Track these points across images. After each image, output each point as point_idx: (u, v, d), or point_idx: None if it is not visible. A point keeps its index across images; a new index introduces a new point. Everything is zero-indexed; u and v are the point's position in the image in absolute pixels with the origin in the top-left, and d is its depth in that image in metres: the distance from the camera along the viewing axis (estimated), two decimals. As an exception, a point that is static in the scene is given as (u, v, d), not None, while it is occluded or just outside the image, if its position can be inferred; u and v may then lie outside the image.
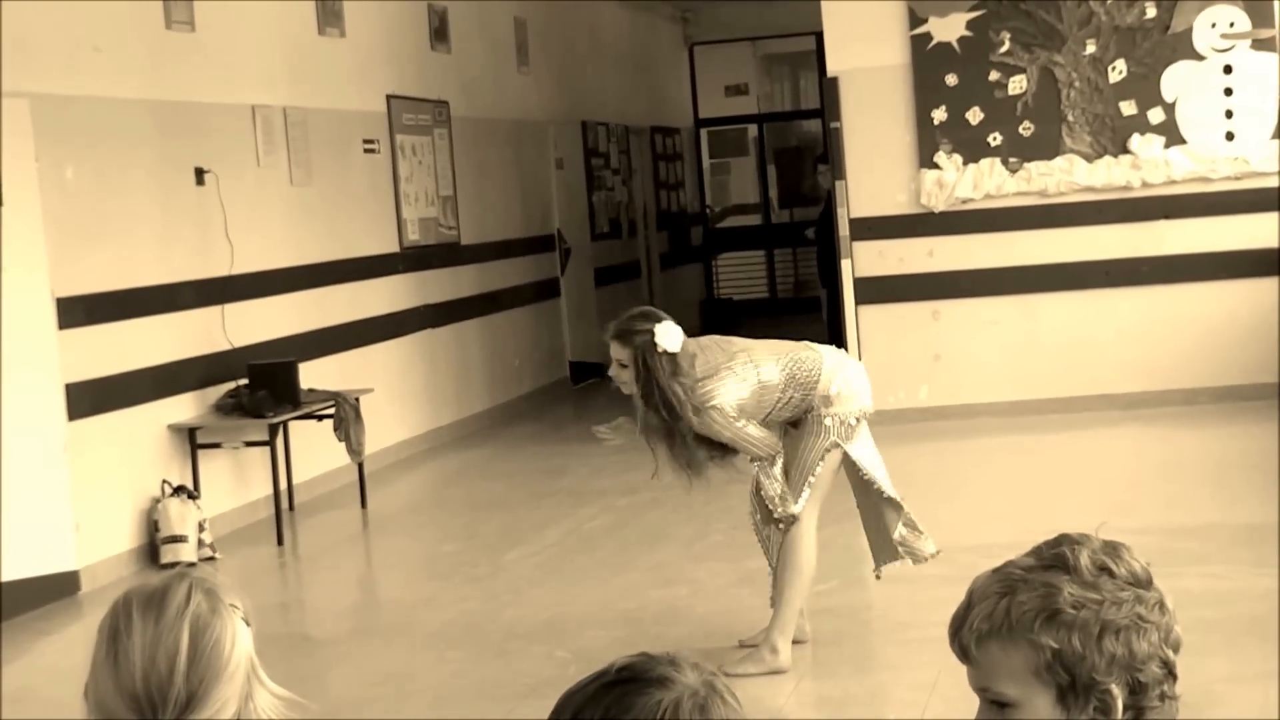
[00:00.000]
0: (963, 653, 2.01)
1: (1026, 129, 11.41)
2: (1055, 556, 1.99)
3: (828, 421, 6.18)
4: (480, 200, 13.52)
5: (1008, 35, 11.39)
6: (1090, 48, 11.36)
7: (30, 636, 7.71)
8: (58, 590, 8.20)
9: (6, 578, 7.86)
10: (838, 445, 6.21)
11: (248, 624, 2.16)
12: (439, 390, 12.60)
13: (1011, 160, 11.44)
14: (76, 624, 7.94)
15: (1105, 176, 11.38)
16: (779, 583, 6.24)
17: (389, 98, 12.03)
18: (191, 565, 8.73)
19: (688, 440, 6.16)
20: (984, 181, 11.45)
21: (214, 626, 2.08)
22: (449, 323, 12.78)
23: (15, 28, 8.14)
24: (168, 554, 8.82)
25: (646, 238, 18.09)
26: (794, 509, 6.19)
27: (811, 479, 6.20)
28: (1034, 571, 1.99)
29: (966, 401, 11.47)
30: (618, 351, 6.15)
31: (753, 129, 21.64)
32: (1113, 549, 2.01)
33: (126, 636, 2.06)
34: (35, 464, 8.11)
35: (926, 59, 11.46)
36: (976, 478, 9.99)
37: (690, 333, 6.26)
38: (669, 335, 6.07)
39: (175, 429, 9.29)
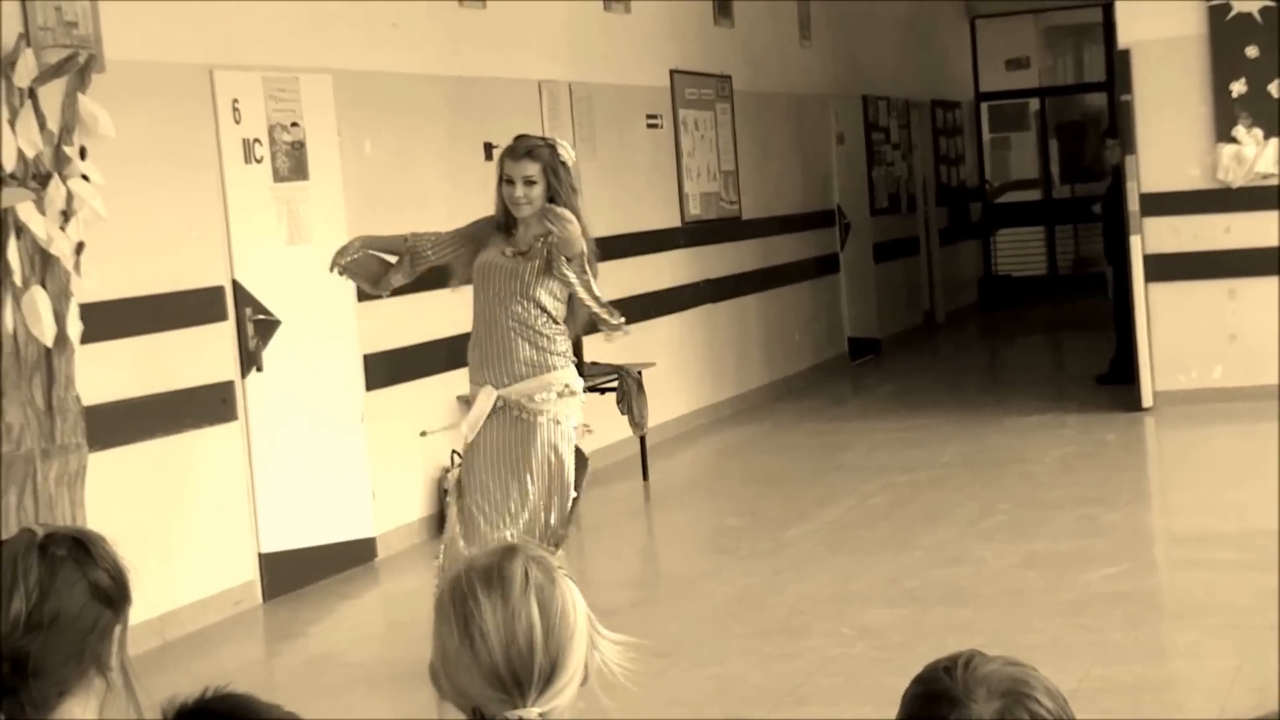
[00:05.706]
0: None
1: (1331, 101, 10.98)
2: None
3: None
4: (761, 175, 13.52)
5: (1313, 4, 10.97)
6: (1401, 15, 10.87)
7: (332, 600, 7.95)
8: (356, 556, 8.43)
9: (310, 543, 8.12)
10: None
11: (572, 580, 2.18)
12: (719, 364, 12.64)
13: (1315, 134, 11.02)
14: (374, 589, 8.16)
15: None
16: None
17: (672, 72, 12.09)
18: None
19: (586, 257, 6.21)
20: (1286, 156, 11.06)
21: (555, 596, 2.10)
22: (729, 298, 12.81)
23: (318, 6, 8.38)
24: (457, 522, 8.99)
25: (926, 213, 17.89)
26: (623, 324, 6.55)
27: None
28: None
29: (1264, 383, 11.08)
30: (528, 168, 6.17)
31: (1034, 103, 21.25)
32: None
33: (480, 620, 2.07)
34: (337, 433, 8.34)
35: (1225, 30, 11.10)
36: (1274, 462, 9.64)
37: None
38: (567, 149, 6.27)
39: (464, 400, 9.46)
